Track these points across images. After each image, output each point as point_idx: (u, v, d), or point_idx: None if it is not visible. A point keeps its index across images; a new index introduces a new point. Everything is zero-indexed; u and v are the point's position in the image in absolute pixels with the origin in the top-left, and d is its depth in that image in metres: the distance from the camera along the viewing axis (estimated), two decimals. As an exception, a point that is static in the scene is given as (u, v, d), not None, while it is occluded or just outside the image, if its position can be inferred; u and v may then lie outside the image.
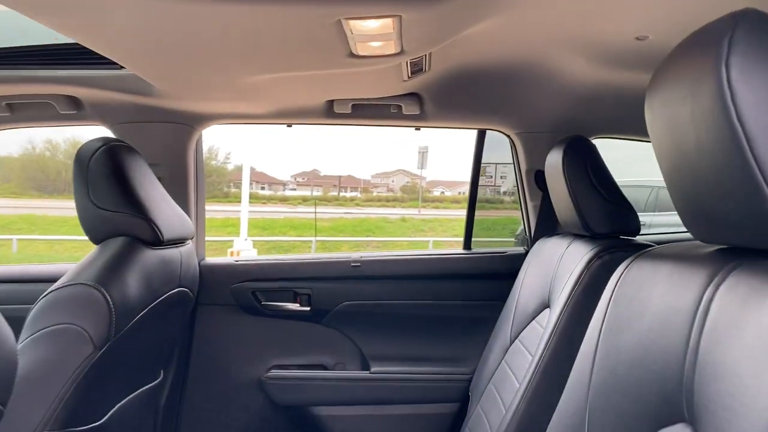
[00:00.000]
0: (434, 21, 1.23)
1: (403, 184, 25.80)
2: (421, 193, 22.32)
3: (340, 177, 27.25)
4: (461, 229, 2.43)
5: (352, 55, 1.38)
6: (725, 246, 0.79)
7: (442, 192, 24.05)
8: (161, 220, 1.62)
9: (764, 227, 0.64)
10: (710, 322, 0.69)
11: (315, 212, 14.01)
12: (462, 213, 2.47)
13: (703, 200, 0.74)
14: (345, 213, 18.77)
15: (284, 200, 23.49)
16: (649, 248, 1.02)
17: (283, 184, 26.76)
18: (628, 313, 0.91)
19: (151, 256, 1.60)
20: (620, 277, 0.99)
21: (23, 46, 1.79)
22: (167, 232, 1.63)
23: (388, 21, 1.16)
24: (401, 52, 1.39)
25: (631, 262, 0.99)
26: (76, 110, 1.97)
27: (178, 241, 1.75)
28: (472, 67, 1.73)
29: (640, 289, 0.90)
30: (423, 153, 15.40)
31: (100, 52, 1.43)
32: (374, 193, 24.90)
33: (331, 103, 1.97)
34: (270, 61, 1.48)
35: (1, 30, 1.81)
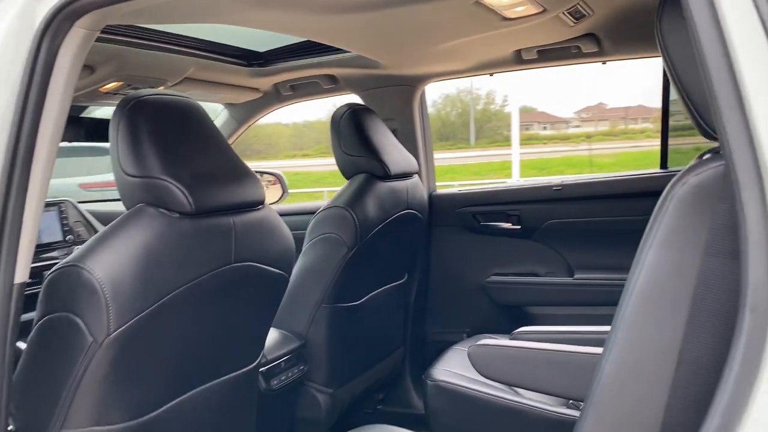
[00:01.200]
0: None
1: (706, 107, 23.12)
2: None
3: (627, 108, 25.70)
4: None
5: (505, 19, 1.76)
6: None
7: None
8: (389, 160, 2.21)
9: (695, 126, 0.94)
10: None
11: (590, 149, 13.75)
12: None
13: (683, 111, 1.03)
14: (632, 147, 17.87)
15: (565, 139, 23.12)
16: None
17: (566, 122, 26.25)
18: None
19: (383, 186, 2.20)
20: None
21: (297, 42, 2.49)
22: (394, 168, 2.22)
23: (513, -5, 1.54)
24: (544, 11, 1.72)
25: None
26: (333, 85, 2.65)
27: (404, 175, 2.33)
28: (626, 3, 1.93)
29: None
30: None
31: (334, 45, 2.06)
32: (670, 123, 22.90)
33: (518, 52, 2.33)
34: (453, 32, 1.94)
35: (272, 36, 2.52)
